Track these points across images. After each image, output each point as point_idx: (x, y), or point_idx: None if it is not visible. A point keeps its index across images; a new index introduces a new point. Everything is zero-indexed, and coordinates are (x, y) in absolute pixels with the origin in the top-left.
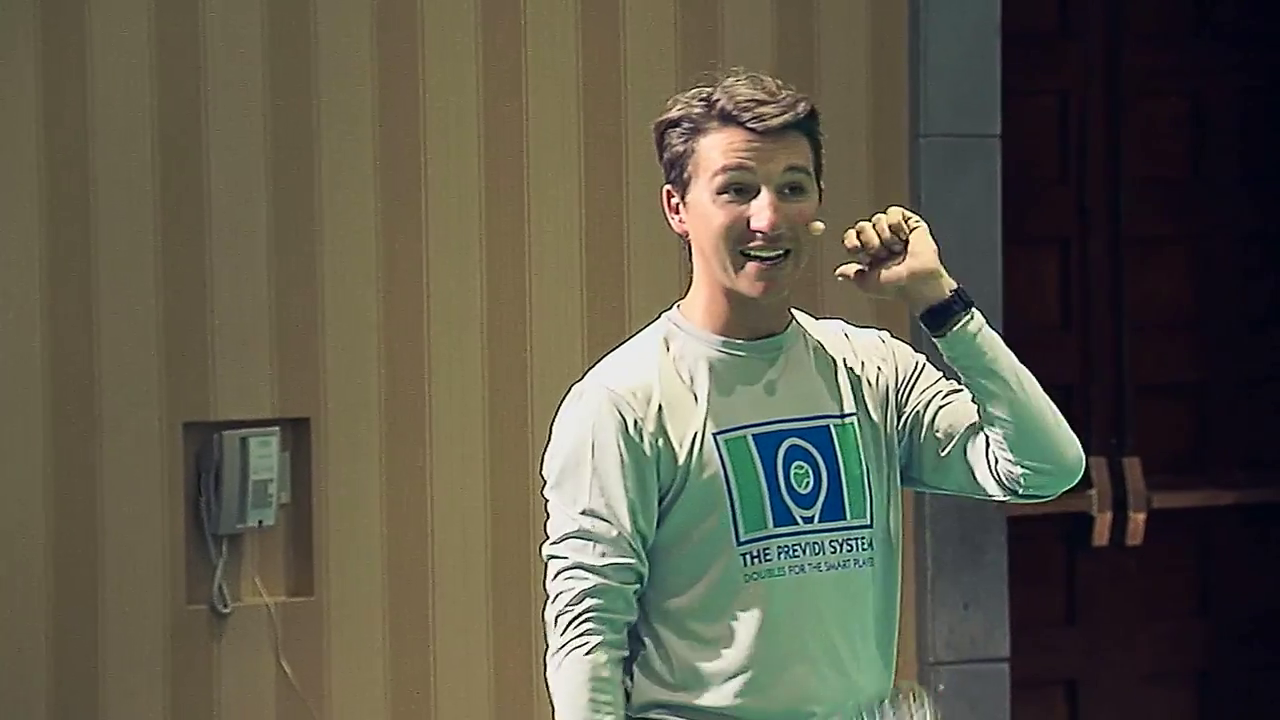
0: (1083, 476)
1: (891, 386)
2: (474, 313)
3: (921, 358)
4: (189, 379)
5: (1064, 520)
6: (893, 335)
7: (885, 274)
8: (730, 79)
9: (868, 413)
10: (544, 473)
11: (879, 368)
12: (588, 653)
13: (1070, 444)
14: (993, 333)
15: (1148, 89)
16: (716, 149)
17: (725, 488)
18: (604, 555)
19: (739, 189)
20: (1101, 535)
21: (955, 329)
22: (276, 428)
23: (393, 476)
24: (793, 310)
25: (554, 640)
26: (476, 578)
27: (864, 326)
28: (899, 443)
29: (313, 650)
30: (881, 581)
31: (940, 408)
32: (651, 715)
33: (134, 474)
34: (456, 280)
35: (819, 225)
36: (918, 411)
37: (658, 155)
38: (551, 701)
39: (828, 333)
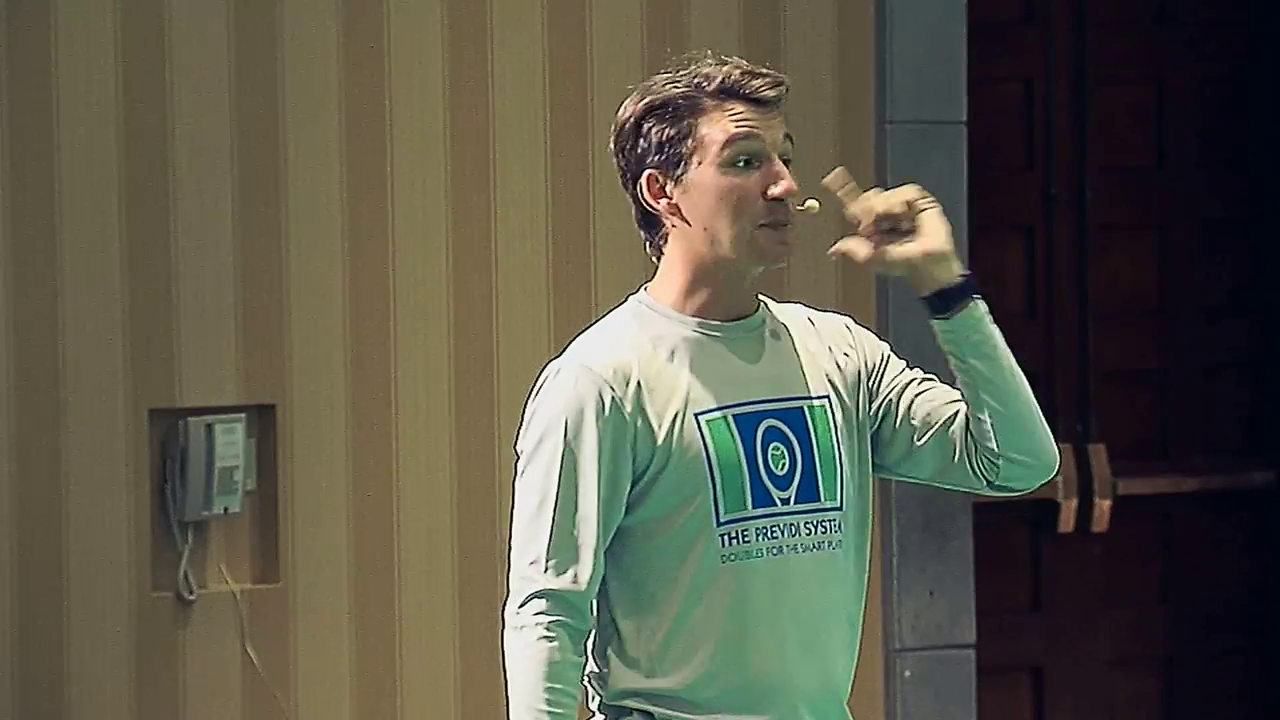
0: None
1: (861, 373)
2: (440, 301)
3: (886, 346)
4: (154, 366)
5: (1029, 507)
6: (856, 323)
7: (897, 251)
8: (695, 64)
9: (838, 397)
10: (518, 448)
11: (846, 354)
12: (549, 639)
13: (1050, 440)
14: (991, 320)
15: (1111, 77)
16: (722, 122)
17: (707, 468)
18: (565, 569)
19: (748, 159)
20: (1067, 522)
21: (961, 312)
22: (242, 415)
23: (358, 463)
24: (759, 295)
25: (512, 615)
26: (442, 565)
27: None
28: (870, 429)
29: (278, 637)
30: (854, 565)
31: (914, 396)
32: (628, 703)
33: (99, 460)
34: (422, 268)
35: (815, 204)
36: (890, 400)
37: (628, 145)
38: (505, 667)
39: (793, 317)
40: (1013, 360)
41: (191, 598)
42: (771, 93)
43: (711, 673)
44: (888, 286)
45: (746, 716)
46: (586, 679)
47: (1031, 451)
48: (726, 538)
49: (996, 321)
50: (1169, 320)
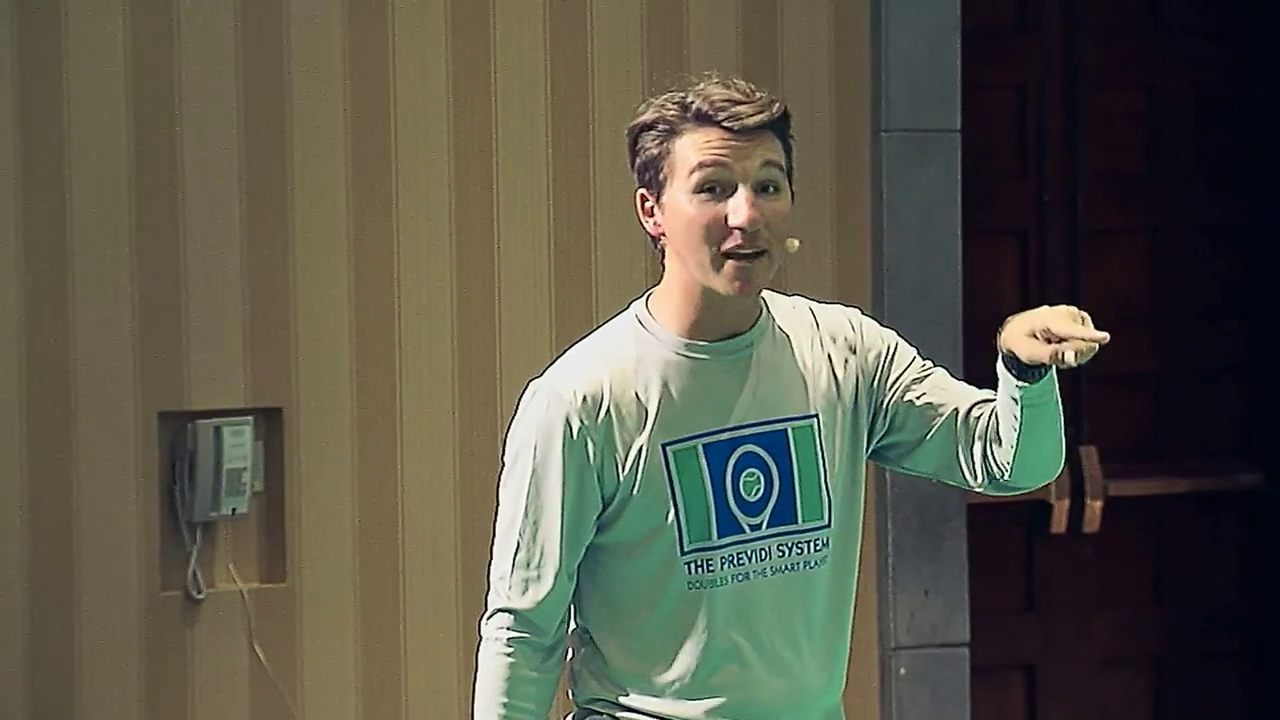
0: None
1: (864, 370)
2: (444, 305)
3: (892, 335)
4: (164, 370)
5: (1022, 508)
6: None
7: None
8: (702, 82)
9: (834, 403)
10: (504, 457)
11: (850, 353)
12: (507, 656)
13: (1061, 456)
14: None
15: (1104, 84)
16: (692, 148)
17: (670, 499)
18: (527, 589)
19: (715, 187)
20: (1059, 523)
21: (1046, 376)
22: (250, 417)
23: (364, 465)
24: (762, 295)
25: (483, 626)
26: (446, 565)
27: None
28: (876, 423)
29: (285, 635)
30: (834, 579)
31: (922, 392)
32: (596, 708)
33: (110, 463)
34: (426, 274)
35: (794, 242)
36: (897, 394)
37: (630, 160)
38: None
39: (795, 320)
40: (1059, 402)
41: (200, 597)
42: (751, 121)
43: (677, 691)
44: (884, 288)
45: None
46: (566, 681)
47: (1039, 480)
48: (691, 566)
49: (990, 326)
50: (1161, 324)
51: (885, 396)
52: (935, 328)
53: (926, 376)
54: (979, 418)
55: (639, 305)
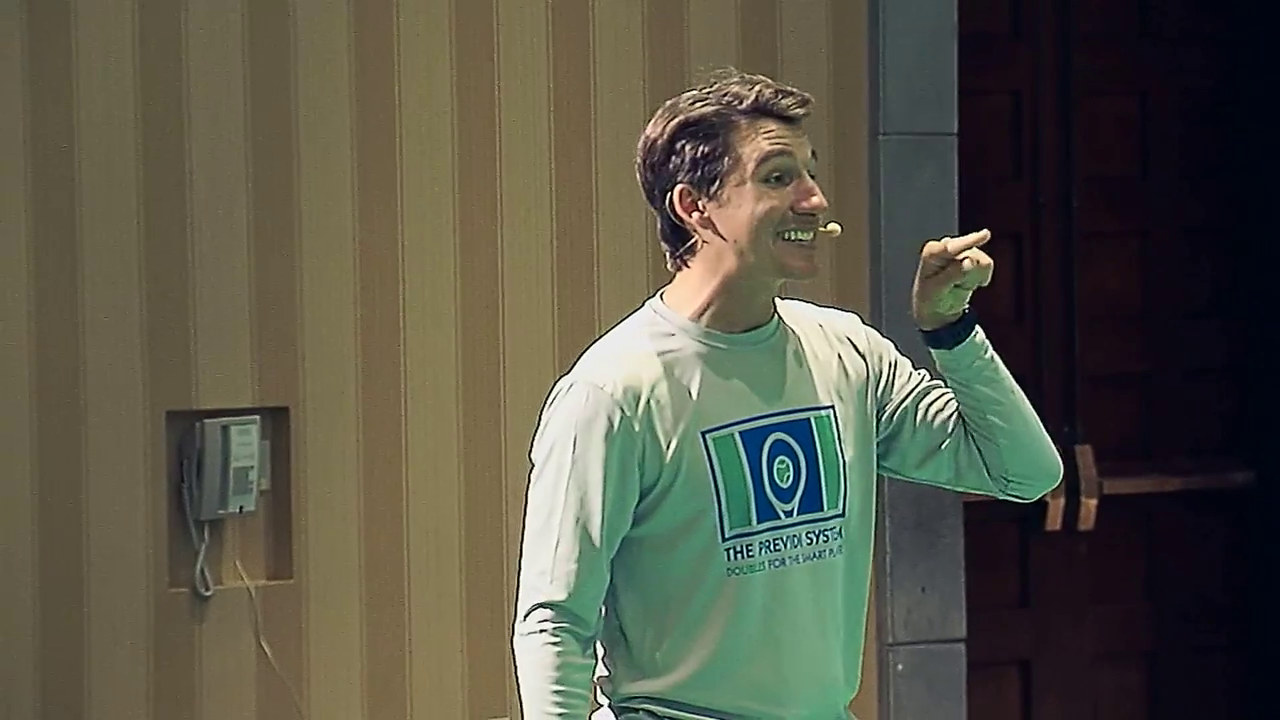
0: None
1: (870, 377)
2: (448, 305)
3: (892, 347)
4: (171, 369)
5: (1017, 506)
6: (864, 321)
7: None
8: (719, 81)
9: (846, 402)
10: (532, 457)
11: (857, 357)
12: (554, 645)
13: (1054, 452)
14: (989, 344)
15: (1096, 89)
16: (756, 139)
17: (712, 486)
18: (569, 582)
19: (781, 175)
20: (1054, 520)
21: (968, 340)
22: (257, 416)
23: (369, 464)
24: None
25: (520, 624)
26: (450, 562)
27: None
28: (883, 433)
29: (292, 632)
30: (849, 568)
31: (930, 402)
32: (633, 704)
33: (118, 461)
34: (430, 275)
35: (836, 226)
36: (904, 405)
37: (659, 161)
38: (517, 673)
39: (803, 320)
40: (1013, 381)
41: (208, 594)
42: (800, 110)
43: (710, 678)
44: (882, 290)
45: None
46: (596, 681)
47: (1038, 467)
48: (731, 552)
49: (985, 328)
50: (1153, 325)
51: (894, 406)
52: None
53: (932, 388)
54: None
55: (655, 303)
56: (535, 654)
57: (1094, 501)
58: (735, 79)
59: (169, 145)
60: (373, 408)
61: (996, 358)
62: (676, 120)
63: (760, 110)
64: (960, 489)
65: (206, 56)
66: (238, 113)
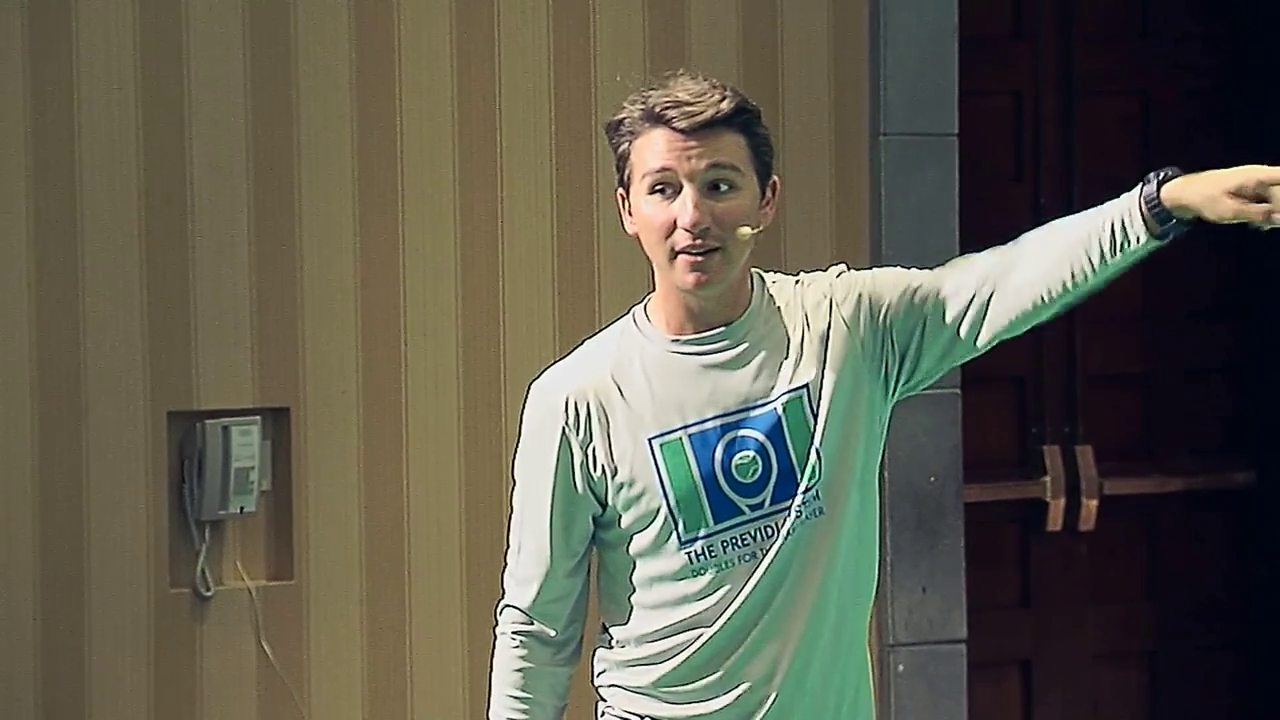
0: (1036, 464)
1: (856, 324)
2: (449, 306)
3: (871, 273)
4: (172, 370)
5: (1018, 506)
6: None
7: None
8: (667, 81)
9: (830, 366)
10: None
11: (838, 312)
12: (516, 649)
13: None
14: None
15: (1098, 89)
16: (647, 150)
17: (661, 492)
18: (526, 586)
19: (665, 188)
20: (1055, 521)
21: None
22: (257, 417)
23: (370, 464)
24: (761, 277)
25: (498, 619)
26: (451, 562)
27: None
28: (897, 356)
29: (292, 632)
30: (849, 544)
31: (931, 304)
32: (611, 691)
33: (119, 462)
34: (431, 276)
35: (746, 230)
36: (906, 325)
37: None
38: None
39: (787, 294)
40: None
41: (208, 594)
42: (698, 120)
43: (688, 671)
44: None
45: (725, 704)
46: (595, 683)
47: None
48: (693, 554)
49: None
50: (1153, 325)
51: (893, 331)
52: None
53: (921, 289)
54: (994, 287)
55: (638, 308)
56: (500, 655)
57: (1095, 502)
58: (676, 78)
59: (170, 145)
60: (373, 408)
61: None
62: (612, 118)
63: (654, 119)
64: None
65: (207, 57)
66: (238, 113)
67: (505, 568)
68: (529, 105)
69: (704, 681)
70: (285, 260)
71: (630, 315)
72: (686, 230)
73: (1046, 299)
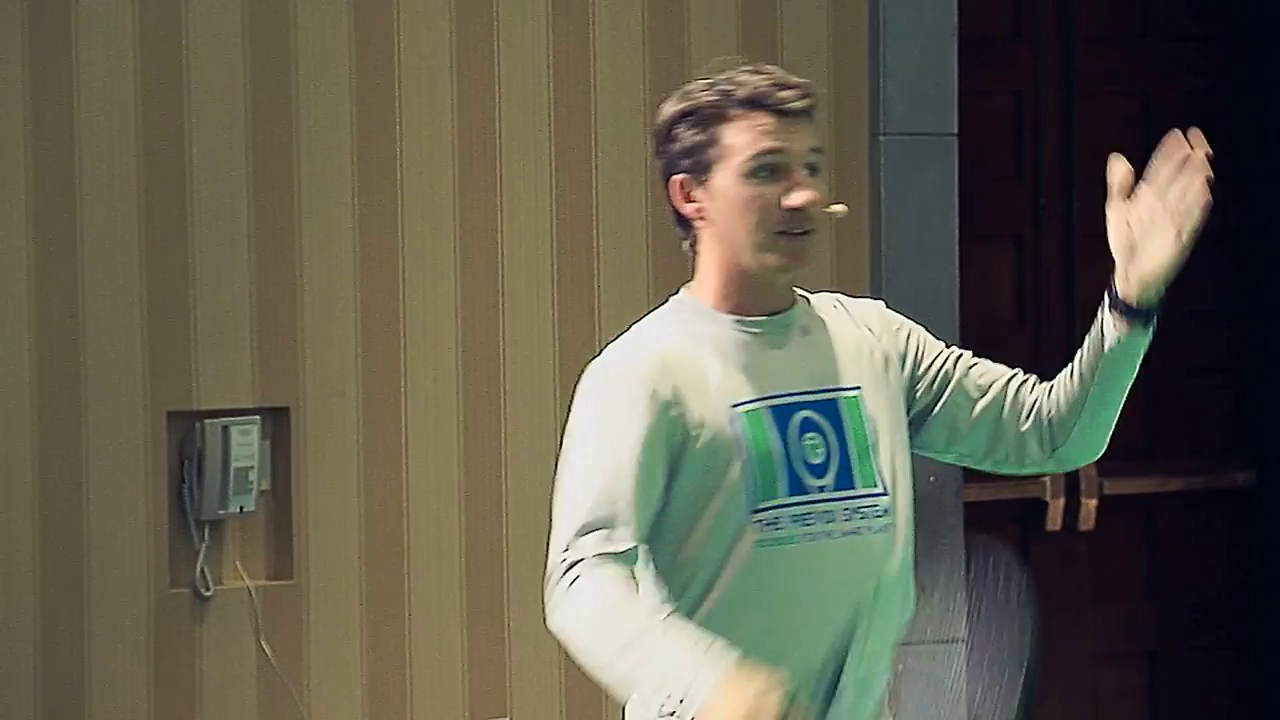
0: None
1: (896, 357)
2: (448, 305)
3: (919, 328)
4: (172, 370)
5: (1018, 506)
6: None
7: (1159, 252)
8: (729, 71)
9: (872, 385)
10: (566, 438)
11: (882, 340)
12: (606, 571)
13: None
14: None
15: (1098, 89)
16: (745, 133)
17: (740, 458)
18: (606, 543)
19: (770, 170)
20: (1054, 520)
21: (1151, 326)
22: (257, 417)
23: (369, 464)
24: (794, 288)
25: (556, 588)
26: (450, 563)
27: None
28: (915, 407)
29: (292, 632)
30: (900, 546)
31: (965, 373)
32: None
33: (119, 461)
34: (431, 276)
35: (841, 207)
36: (938, 379)
37: (660, 149)
38: (571, 644)
39: (826, 306)
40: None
41: (208, 594)
42: (798, 105)
43: (747, 650)
44: (882, 290)
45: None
46: None
47: (1094, 447)
48: (761, 524)
49: (986, 328)
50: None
51: (931, 379)
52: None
53: (961, 358)
54: (1031, 388)
55: (679, 296)
56: (585, 591)
57: (1094, 502)
58: (746, 68)
59: (169, 146)
60: (373, 408)
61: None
62: (678, 107)
63: (753, 102)
64: (978, 465)
65: (207, 57)
66: (238, 113)
67: (565, 533)
68: (529, 105)
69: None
70: (285, 260)
71: (674, 302)
72: (795, 210)
73: (1068, 398)
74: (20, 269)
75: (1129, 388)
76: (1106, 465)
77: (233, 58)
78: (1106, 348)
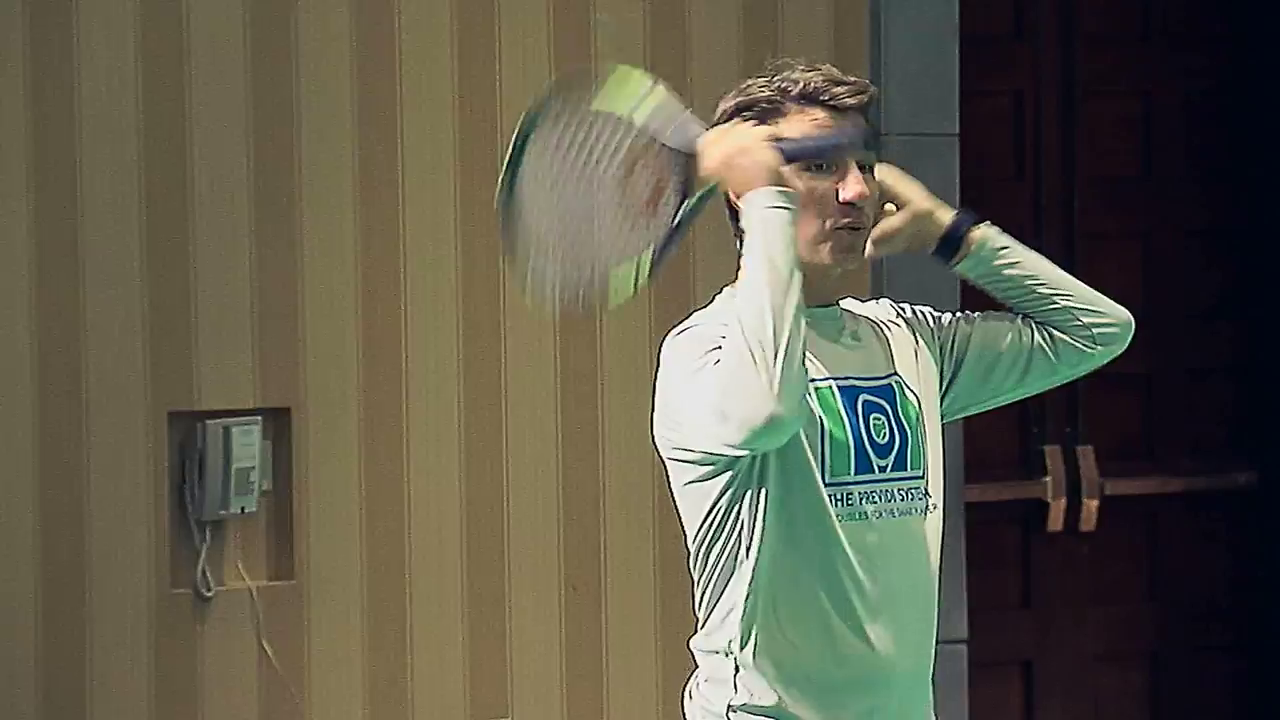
0: (1038, 464)
1: (926, 343)
2: (449, 306)
3: (922, 306)
4: (173, 370)
5: (1020, 506)
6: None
7: (885, 228)
8: (784, 70)
9: (912, 376)
10: (663, 389)
11: (911, 330)
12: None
13: (1112, 303)
14: (1000, 231)
15: (1099, 90)
16: (799, 128)
17: (818, 431)
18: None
19: (825, 164)
20: (1056, 521)
21: (973, 247)
22: (258, 417)
23: (370, 464)
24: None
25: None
26: (451, 562)
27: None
28: (970, 374)
29: (293, 632)
30: (934, 539)
31: (984, 317)
32: (746, 656)
33: (120, 462)
34: (432, 274)
35: (893, 208)
36: (975, 337)
37: None
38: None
39: (858, 305)
40: (1040, 258)
41: (209, 594)
42: (852, 101)
43: (829, 627)
44: (883, 289)
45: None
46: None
47: (1106, 314)
48: (833, 499)
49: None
50: (1155, 326)
51: (968, 345)
52: None
53: (986, 318)
54: (1038, 324)
55: (726, 293)
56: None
57: (1096, 502)
58: (800, 66)
59: (170, 146)
60: (374, 408)
61: (1013, 242)
62: (734, 102)
63: (808, 98)
64: (1065, 376)
65: (208, 56)
66: (239, 113)
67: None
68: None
69: (839, 660)
70: (286, 260)
71: (728, 294)
72: (850, 203)
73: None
74: (21, 269)
75: (1054, 272)
76: (1108, 466)
77: (234, 58)
78: (979, 284)
